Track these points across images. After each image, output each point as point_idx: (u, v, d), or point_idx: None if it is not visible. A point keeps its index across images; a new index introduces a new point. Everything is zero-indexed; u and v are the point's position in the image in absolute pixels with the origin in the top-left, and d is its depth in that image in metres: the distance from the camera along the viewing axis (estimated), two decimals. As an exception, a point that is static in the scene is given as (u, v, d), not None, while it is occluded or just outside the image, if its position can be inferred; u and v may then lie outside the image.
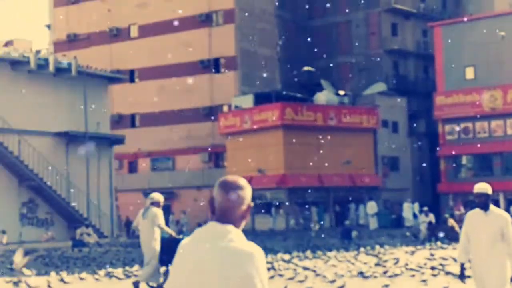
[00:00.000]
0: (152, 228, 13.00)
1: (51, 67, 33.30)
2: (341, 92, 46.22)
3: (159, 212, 13.09)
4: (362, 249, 22.28)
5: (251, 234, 34.68)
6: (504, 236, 7.13)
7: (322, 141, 42.11)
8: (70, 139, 34.87)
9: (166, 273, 13.29)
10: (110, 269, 17.56)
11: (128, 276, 16.25)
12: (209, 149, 46.62)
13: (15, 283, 14.79)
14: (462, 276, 7.53)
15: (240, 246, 2.79)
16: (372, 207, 39.23)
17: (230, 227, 2.84)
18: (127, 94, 48.69)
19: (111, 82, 39.35)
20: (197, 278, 2.80)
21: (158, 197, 13.34)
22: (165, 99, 47.58)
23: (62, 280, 14.98)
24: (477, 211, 7.33)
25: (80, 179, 34.70)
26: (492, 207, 7.29)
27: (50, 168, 33.43)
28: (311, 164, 41.39)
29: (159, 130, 47.69)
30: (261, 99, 42.98)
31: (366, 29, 51.37)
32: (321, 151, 41.94)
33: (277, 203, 41.45)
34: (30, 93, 33.48)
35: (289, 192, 41.33)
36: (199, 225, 43.57)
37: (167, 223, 13.69)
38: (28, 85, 33.54)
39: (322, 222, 40.42)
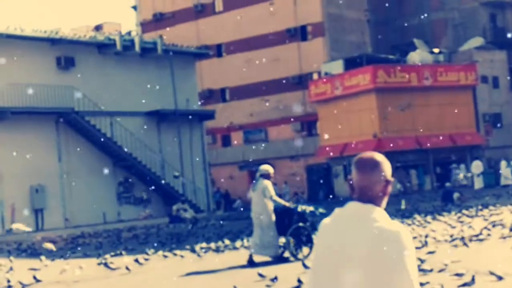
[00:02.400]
0: (262, 200, 12.87)
1: (137, 48, 33.47)
2: (436, 50, 44.39)
3: (269, 184, 12.92)
4: (465, 211, 21.12)
5: (349, 200, 33.84)
6: None
7: (418, 103, 40.59)
8: (161, 117, 35.05)
9: (286, 245, 13.10)
10: (203, 245, 17.25)
11: (218, 251, 15.90)
12: (301, 118, 45.94)
13: (101, 264, 14.73)
14: None
15: (385, 225, 2.70)
16: (477, 166, 37.63)
17: (372, 206, 2.78)
18: (216, 69, 48.56)
19: (197, 58, 39.28)
20: (342, 259, 2.72)
21: (268, 168, 13.17)
22: (253, 71, 47.11)
23: (136, 260, 14.73)
24: None
25: (173, 156, 34.89)
26: None
27: (142, 148, 33.74)
28: (407, 126, 40.04)
29: (250, 103, 47.35)
30: (352, 63, 41.79)
31: (459, -19, 48.93)
32: (417, 113, 40.43)
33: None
34: (118, 74, 33.82)
35: (387, 156, 39.04)
36: (296, 194, 43.19)
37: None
38: (115, 67, 33.88)
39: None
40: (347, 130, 40.72)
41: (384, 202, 2.84)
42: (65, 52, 32.06)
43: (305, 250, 13.06)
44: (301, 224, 13.17)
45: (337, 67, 42.60)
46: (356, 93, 40.54)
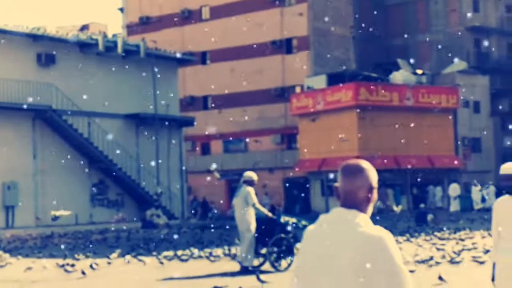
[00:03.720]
0: (244, 206, 12.70)
1: (120, 49, 33.20)
2: (419, 71, 44.54)
3: (251, 191, 12.74)
4: (437, 233, 21.08)
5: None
6: None
7: (398, 122, 40.65)
8: (140, 121, 34.77)
9: (266, 255, 12.97)
10: (169, 252, 17.07)
11: (182, 260, 15.68)
12: (282, 131, 45.87)
13: (60, 266, 14.49)
14: (494, 279, 5.73)
15: (368, 230, 2.73)
16: (454, 189, 37.75)
17: (355, 212, 2.80)
18: (199, 76, 48.39)
19: (180, 64, 39.10)
20: (326, 264, 2.75)
21: (251, 175, 13.01)
22: (237, 80, 47.00)
23: (91, 265, 14.47)
24: (506, 198, 5.56)
25: (150, 161, 34.60)
26: None
27: (119, 150, 33.43)
28: (386, 145, 40.05)
29: (231, 112, 47.20)
30: (335, 79, 41.79)
31: (445, 5, 49.23)
32: (397, 132, 40.50)
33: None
34: (99, 75, 33.50)
35: (364, 174, 39.94)
36: (272, 206, 43.02)
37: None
38: (97, 67, 33.57)
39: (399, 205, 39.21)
40: (326, 145, 40.64)
41: (370, 209, 2.86)
42: (46, 49, 31.73)
43: (285, 262, 12.96)
44: (283, 235, 13.03)
45: (320, 81, 42.59)
46: (337, 109, 40.50)
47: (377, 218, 31.93)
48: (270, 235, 12.94)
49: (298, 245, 12.93)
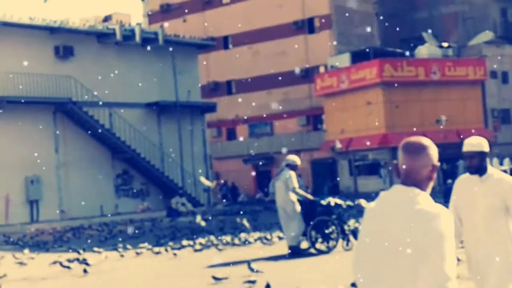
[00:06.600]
0: (285, 190, 12.63)
1: (138, 38, 32.96)
2: (445, 44, 43.60)
3: (293, 175, 12.65)
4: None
5: (353, 195, 33.37)
6: (509, 209, 5.02)
7: (425, 97, 39.92)
8: (161, 109, 34.57)
9: (306, 235, 12.90)
10: (185, 242, 16.84)
11: (196, 251, 15.45)
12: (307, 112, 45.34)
13: (63, 263, 14.24)
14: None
15: (427, 208, 2.72)
16: (484, 162, 36.89)
17: (416, 189, 2.78)
18: (222, 61, 48.01)
19: (200, 49, 38.72)
20: (385, 241, 2.76)
21: (295, 159, 12.91)
22: (260, 63, 46.55)
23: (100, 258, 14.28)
24: (468, 176, 5.22)
25: (173, 149, 34.43)
26: (490, 169, 5.15)
27: (142, 139, 33.29)
28: (414, 121, 39.35)
29: (256, 96, 46.78)
30: (358, 57, 41.16)
31: (470, -25, 48.05)
32: (425, 108, 39.78)
33: (383, 164, 39.71)
34: (118, 65, 33.33)
35: (392, 152, 39.45)
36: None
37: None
38: (116, 57, 33.42)
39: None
40: (353, 124, 40.12)
41: (430, 187, 2.84)
42: (64, 41, 31.64)
43: (331, 244, 12.89)
44: (325, 217, 12.91)
45: (344, 60, 41.98)
46: (362, 87, 39.91)
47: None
48: (311, 217, 12.81)
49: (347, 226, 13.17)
